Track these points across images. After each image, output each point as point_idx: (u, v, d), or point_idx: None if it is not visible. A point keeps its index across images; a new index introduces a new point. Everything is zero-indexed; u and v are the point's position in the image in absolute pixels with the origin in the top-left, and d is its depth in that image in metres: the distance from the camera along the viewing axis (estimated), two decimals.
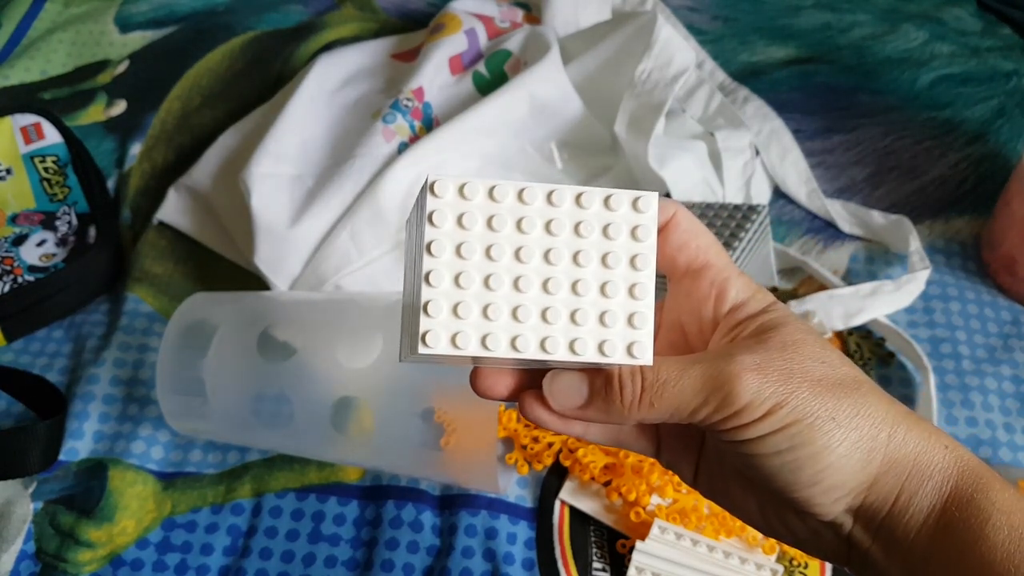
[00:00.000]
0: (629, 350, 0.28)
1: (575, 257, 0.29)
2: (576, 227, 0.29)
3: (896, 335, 0.66)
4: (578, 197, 0.29)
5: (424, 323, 0.28)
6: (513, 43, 0.79)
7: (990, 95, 0.85)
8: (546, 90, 0.74)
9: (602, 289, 0.29)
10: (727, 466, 0.33)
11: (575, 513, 0.59)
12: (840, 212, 0.75)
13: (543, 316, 0.28)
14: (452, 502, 0.59)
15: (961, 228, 0.75)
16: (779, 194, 0.78)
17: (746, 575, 0.54)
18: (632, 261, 0.29)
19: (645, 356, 0.28)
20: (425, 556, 0.58)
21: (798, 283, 0.71)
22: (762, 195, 0.76)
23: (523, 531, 0.58)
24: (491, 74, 0.78)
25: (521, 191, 0.29)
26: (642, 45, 0.75)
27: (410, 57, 0.82)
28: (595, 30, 0.80)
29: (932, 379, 0.63)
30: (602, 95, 0.77)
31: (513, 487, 0.60)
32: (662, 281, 0.34)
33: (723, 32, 0.93)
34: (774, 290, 0.70)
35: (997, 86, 0.86)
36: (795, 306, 0.66)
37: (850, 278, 0.72)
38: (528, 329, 0.28)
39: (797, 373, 0.29)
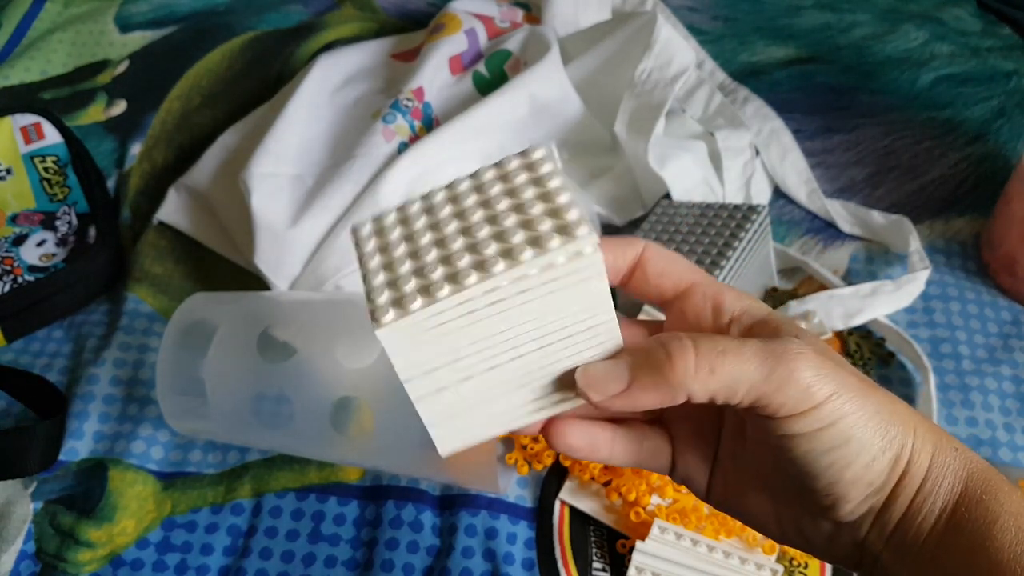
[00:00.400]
0: (564, 232, 0.27)
1: (484, 204, 0.29)
2: (478, 188, 0.30)
3: (896, 335, 0.66)
4: (473, 174, 0.31)
5: (369, 307, 0.28)
6: (513, 43, 0.79)
7: (990, 95, 0.85)
8: (546, 90, 0.74)
9: (517, 209, 0.29)
10: (743, 478, 0.33)
11: (575, 513, 0.59)
12: (840, 212, 0.75)
13: (473, 251, 0.28)
14: (452, 502, 0.59)
15: (961, 228, 0.75)
16: (779, 194, 0.78)
17: (746, 575, 0.54)
18: (537, 182, 0.29)
19: (581, 230, 0.27)
20: (425, 556, 0.58)
21: (798, 283, 0.71)
22: (762, 195, 0.76)
23: (523, 531, 0.58)
24: (491, 74, 0.78)
25: (425, 194, 0.31)
26: (642, 45, 0.75)
27: (410, 57, 0.82)
28: (595, 30, 0.80)
29: (932, 379, 0.63)
30: (602, 95, 0.77)
31: (513, 487, 0.60)
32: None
33: (723, 32, 0.93)
34: (774, 290, 0.70)
35: (997, 86, 0.86)
36: (795, 306, 0.66)
37: (850, 278, 0.72)
38: (463, 265, 0.27)
39: (842, 365, 0.29)
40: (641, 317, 0.59)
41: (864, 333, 0.68)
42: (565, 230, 0.27)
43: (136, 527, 0.60)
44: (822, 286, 0.70)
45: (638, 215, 0.74)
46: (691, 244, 0.63)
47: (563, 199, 0.28)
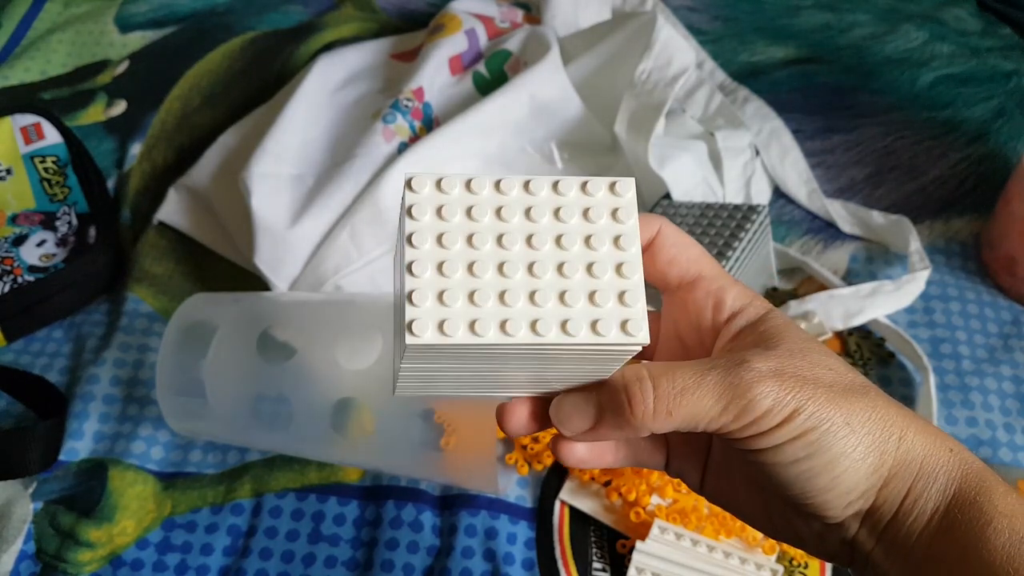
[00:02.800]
0: (624, 327, 0.27)
1: (558, 240, 0.28)
2: (556, 212, 0.29)
3: (896, 335, 0.66)
4: (555, 185, 0.29)
5: (410, 312, 0.27)
6: (513, 43, 0.79)
7: (990, 95, 0.85)
8: (546, 90, 0.74)
9: (589, 269, 0.28)
10: (734, 471, 0.33)
11: (575, 513, 0.59)
12: (840, 212, 0.75)
13: (531, 298, 0.27)
14: (452, 502, 0.59)
15: (961, 228, 0.75)
16: (779, 194, 0.78)
17: (746, 575, 0.54)
18: (616, 241, 0.28)
19: (641, 333, 0.27)
20: (425, 556, 0.58)
21: (798, 283, 0.71)
22: (762, 195, 0.76)
23: (523, 531, 0.58)
24: (491, 74, 0.78)
25: (498, 182, 0.29)
26: (642, 45, 0.75)
27: (410, 57, 0.82)
28: (595, 30, 0.80)
29: (932, 379, 0.63)
30: (602, 95, 0.77)
31: (513, 487, 0.60)
32: (655, 293, 0.34)
33: (723, 32, 0.93)
34: (774, 290, 0.70)
35: (997, 86, 0.86)
36: (795, 306, 0.66)
37: (850, 278, 0.72)
38: (517, 312, 0.27)
39: (810, 380, 0.29)
40: None
41: (864, 333, 0.68)
42: (626, 326, 0.27)
43: (136, 527, 0.60)
44: (822, 286, 0.70)
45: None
46: None
47: (635, 280, 0.28)
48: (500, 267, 0.28)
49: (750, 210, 0.65)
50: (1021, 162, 0.69)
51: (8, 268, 0.69)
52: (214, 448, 0.63)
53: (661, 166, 0.70)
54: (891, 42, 0.91)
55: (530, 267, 0.28)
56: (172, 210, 0.76)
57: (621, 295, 0.28)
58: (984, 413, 0.64)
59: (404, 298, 0.27)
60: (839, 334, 0.67)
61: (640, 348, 0.28)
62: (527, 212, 0.28)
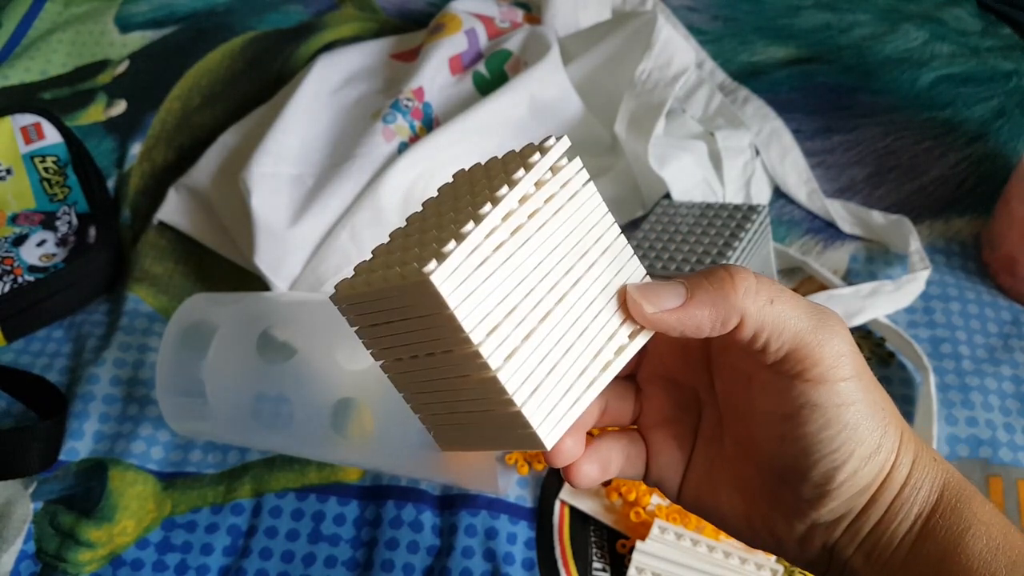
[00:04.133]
0: (544, 151, 0.29)
1: (488, 171, 0.31)
2: (488, 167, 0.31)
3: (896, 335, 0.66)
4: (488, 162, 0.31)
5: (412, 264, 0.27)
6: (513, 43, 0.79)
7: (990, 95, 0.85)
8: (546, 90, 0.74)
9: (517, 160, 0.29)
10: (717, 475, 0.33)
11: (575, 513, 0.59)
12: (840, 212, 0.75)
13: (480, 195, 0.28)
14: (452, 502, 0.59)
15: (961, 228, 0.75)
16: (779, 194, 0.78)
17: (746, 575, 0.54)
18: (543, 149, 0.30)
19: (557, 148, 0.29)
20: (425, 556, 0.58)
21: (798, 283, 0.71)
22: (762, 195, 0.76)
23: (523, 531, 0.58)
24: (491, 74, 0.78)
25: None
26: (642, 45, 0.75)
27: (410, 57, 0.82)
28: (595, 30, 0.80)
29: (932, 379, 0.63)
30: (602, 95, 0.77)
31: (513, 487, 0.60)
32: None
33: (723, 32, 0.93)
34: None
35: (997, 86, 0.86)
36: None
37: (850, 278, 0.72)
38: (477, 205, 0.28)
39: (860, 355, 0.30)
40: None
41: (864, 333, 0.68)
42: (544, 150, 0.29)
43: (136, 527, 0.60)
44: (822, 286, 0.70)
45: (638, 215, 0.74)
46: (691, 244, 0.63)
47: (553, 143, 0.29)
48: (455, 207, 0.29)
49: (750, 210, 0.65)
50: (1021, 162, 0.69)
51: (8, 268, 0.69)
52: (214, 448, 0.63)
53: (661, 166, 0.70)
54: (891, 42, 0.91)
55: (474, 188, 0.30)
56: (172, 210, 0.76)
57: (543, 149, 0.29)
58: (984, 413, 0.64)
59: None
60: None
61: (573, 162, 0.29)
62: (469, 175, 0.31)
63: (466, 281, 0.27)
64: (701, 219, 0.65)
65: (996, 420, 0.63)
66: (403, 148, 0.71)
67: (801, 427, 0.29)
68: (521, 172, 0.28)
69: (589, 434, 0.33)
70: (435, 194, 0.32)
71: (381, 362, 0.31)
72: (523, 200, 0.28)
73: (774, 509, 0.32)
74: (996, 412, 0.64)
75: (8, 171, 0.77)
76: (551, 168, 0.29)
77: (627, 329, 0.30)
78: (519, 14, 0.86)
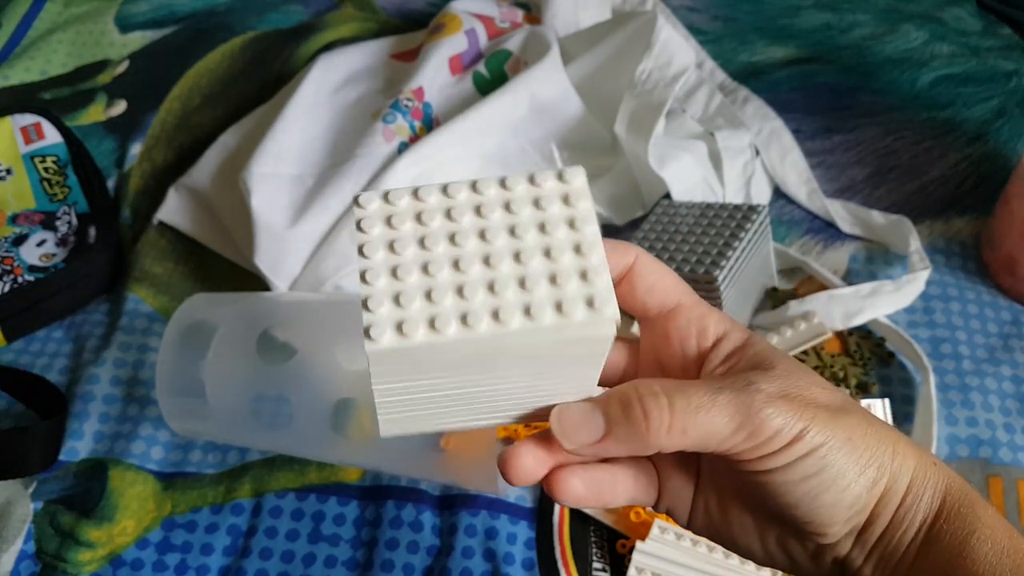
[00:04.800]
0: (590, 304, 0.26)
1: (512, 231, 0.28)
2: (507, 205, 0.28)
3: (896, 335, 0.66)
4: (503, 181, 0.28)
5: (366, 318, 0.26)
6: (513, 43, 0.79)
7: (990, 95, 0.85)
8: (546, 90, 0.74)
9: (546, 253, 0.27)
10: (728, 500, 0.33)
11: (575, 513, 0.59)
12: (840, 212, 0.75)
13: (490, 289, 0.27)
14: (452, 502, 0.59)
15: (961, 228, 0.75)
16: (779, 194, 0.78)
17: (745, 575, 0.54)
18: (571, 223, 0.28)
19: (609, 308, 0.26)
20: (425, 556, 0.58)
21: (798, 283, 0.71)
22: (762, 195, 0.76)
23: (523, 531, 0.58)
24: (491, 74, 0.78)
25: (445, 187, 0.28)
26: (642, 45, 0.75)
27: (410, 57, 0.82)
28: (595, 30, 0.80)
29: (932, 379, 0.63)
30: (602, 95, 0.77)
31: (513, 487, 0.60)
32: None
33: (723, 32, 0.93)
34: (774, 290, 0.70)
35: (997, 86, 0.86)
36: (795, 306, 0.65)
37: (850, 278, 0.72)
38: (477, 305, 0.26)
39: (810, 400, 0.29)
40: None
41: (864, 333, 0.68)
42: (592, 302, 0.26)
43: (136, 527, 0.60)
44: (822, 286, 0.70)
45: (638, 215, 0.74)
46: (691, 244, 0.63)
47: (596, 258, 0.27)
48: (455, 264, 0.27)
49: (750, 210, 0.65)
50: (1021, 162, 0.69)
51: (8, 268, 0.69)
52: (214, 448, 0.63)
53: (661, 166, 0.70)
54: (891, 42, 0.91)
55: (486, 259, 0.27)
56: (172, 210, 0.76)
57: (583, 273, 0.27)
58: (984, 413, 0.64)
59: (360, 307, 0.27)
60: (839, 334, 0.67)
61: (615, 328, 0.27)
62: (477, 209, 0.28)
63: (403, 361, 0.27)
64: (701, 219, 0.65)
65: (996, 420, 0.63)
66: (403, 148, 0.71)
67: (765, 487, 0.30)
68: (549, 318, 0.26)
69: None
70: (473, 184, 0.29)
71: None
72: (528, 335, 0.27)
73: (786, 532, 0.32)
74: (996, 412, 0.64)
75: (8, 171, 0.77)
76: (589, 333, 0.27)
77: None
78: (519, 14, 0.86)
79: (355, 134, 0.73)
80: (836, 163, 0.80)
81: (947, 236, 0.75)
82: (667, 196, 0.71)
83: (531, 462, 0.30)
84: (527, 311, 0.26)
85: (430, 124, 0.75)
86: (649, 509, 0.57)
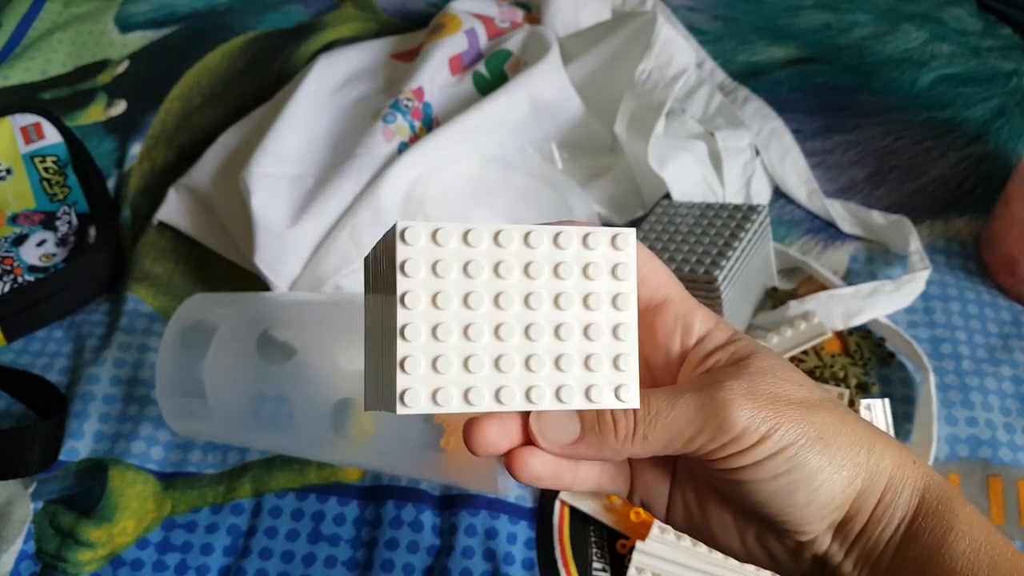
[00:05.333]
0: (617, 394, 0.28)
1: (556, 300, 0.28)
2: (555, 268, 0.28)
3: (896, 335, 0.66)
4: (556, 237, 0.28)
5: (401, 381, 0.26)
6: (513, 43, 0.79)
7: (990, 95, 0.85)
8: (546, 90, 0.74)
9: (585, 332, 0.28)
10: (704, 497, 0.33)
11: (575, 513, 0.59)
12: (840, 212, 0.75)
13: (527, 364, 0.27)
14: (452, 502, 0.59)
15: (961, 228, 0.75)
16: (779, 194, 0.78)
17: (745, 575, 0.54)
18: (614, 301, 0.28)
19: (632, 399, 0.28)
20: (425, 556, 0.58)
21: (798, 283, 0.71)
22: (762, 195, 0.76)
23: (523, 531, 0.58)
24: (491, 74, 0.78)
25: (497, 234, 0.28)
26: (642, 45, 0.75)
27: (410, 57, 0.82)
28: (595, 30, 0.80)
29: (932, 379, 0.63)
30: (602, 95, 0.77)
31: (513, 487, 0.60)
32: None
33: (723, 32, 0.93)
34: (774, 290, 0.70)
35: (997, 86, 0.86)
36: (795, 306, 0.65)
37: (850, 278, 0.72)
38: (512, 380, 0.27)
39: (782, 397, 0.29)
40: None
41: (864, 333, 0.68)
42: (619, 392, 0.28)
43: (136, 527, 0.60)
44: (822, 286, 0.70)
45: (638, 215, 0.74)
46: (691, 244, 0.63)
47: (629, 344, 0.28)
48: (496, 330, 0.27)
49: (750, 210, 0.65)
50: (1021, 162, 0.69)
51: (8, 268, 0.69)
52: (214, 448, 0.63)
53: (661, 166, 0.70)
54: (891, 42, 0.91)
55: (527, 330, 0.27)
56: (172, 210, 0.76)
57: (616, 360, 0.28)
58: (984, 413, 0.64)
59: (396, 364, 0.26)
60: (839, 334, 0.67)
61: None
62: (526, 269, 0.28)
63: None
64: (701, 219, 0.65)
65: (996, 420, 0.63)
66: (403, 148, 0.71)
67: (737, 485, 0.30)
68: (577, 401, 0.28)
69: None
70: (526, 236, 0.28)
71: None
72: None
73: (765, 528, 0.32)
74: (996, 412, 0.64)
75: (8, 171, 0.77)
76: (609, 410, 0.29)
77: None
78: (519, 14, 0.86)
79: (355, 134, 0.73)
80: (836, 163, 0.80)
81: (947, 236, 0.75)
82: (667, 196, 0.71)
83: (496, 433, 0.30)
84: (558, 393, 0.28)
85: (430, 124, 0.75)
86: None
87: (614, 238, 0.29)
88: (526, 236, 0.28)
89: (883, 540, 0.30)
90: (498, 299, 0.27)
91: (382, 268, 0.29)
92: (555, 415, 0.30)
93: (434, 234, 0.27)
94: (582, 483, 0.32)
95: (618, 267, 0.28)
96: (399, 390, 0.26)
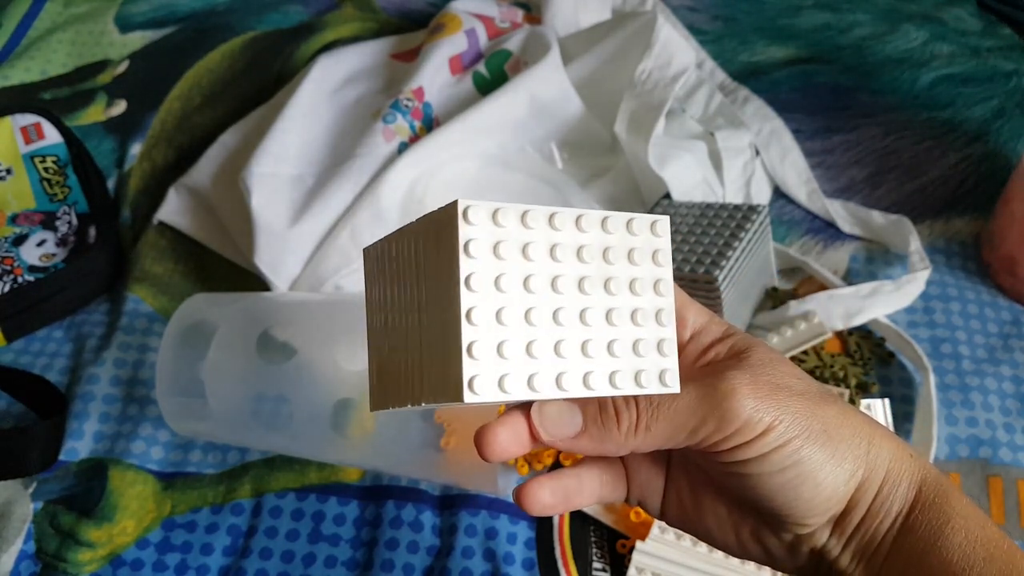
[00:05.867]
0: (662, 379, 0.28)
1: (606, 286, 0.28)
2: (605, 253, 0.28)
3: (896, 335, 0.66)
4: (604, 222, 0.28)
5: (469, 368, 0.25)
6: (513, 43, 0.79)
7: (990, 95, 0.85)
8: (546, 90, 0.74)
9: (633, 317, 0.28)
10: (698, 491, 0.33)
11: (575, 513, 0.59)
12: (840, 212, 0.75)
13: (583, 350, 0.27)
14: (452, 502, 0.59)
15: (961, 228, 0.75)
16: (779, 194, 0.78)
17: (746, 575, 0.54)
18: (656, 287, 0.29)
19: (675, 384, 0.28)
20: (425, 556, 0.58)
21: (798, 283, 0.71)
22: (762, 195, 0.76)
23: (523, 531, 0.58)
24: (491, 74, 0.78)
25: (552, 216, 0.27)
26: (642, 45, 0.75)
27: (410, 57, 0.82)
28: (595, 30, 0.80)
29: (932, 379, 0.63)
30: (602, 95, 0.77)
31: (513, 487, 0.60)
32: None
33: (723, 32, 0.93)
34: (774, 290, 0.70)
35: (997, 86, 0.86)
36: (795, 306, 0.65)
37: (850, 278, 0.72)
38: (571, 366, 0.27)
39: (783, 388, 0.29)
40: None
41: (864, 333, 0.68)
42: (664, 377, 0.29)
43: (136, 527, 0.60)
44: (822, 286, 0.70)
45: None
46: (691, 244, 0.63)
47: (670, 328, 0.29)
48: (555, 315, 0.27)
49: (750, 210, 0.65)
50: (1021, 162, 0.69)
51: (8, 268, 0.69)
52: (214, 448, 0.63)
53: (661, 166, 0.70)
54: (891, 42, 0.91)
55: (582, 315, 0.28)
56: (172, 210, 0.76)
57: (660, 344, 0.28)
58: (984, 413, 0.64)
59: (462, 350, 0.25)
60: (839, 334, 0.67)
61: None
62: (579, 253, 0.28)
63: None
64: (701, 219, 0.65)
65: (996, 420, 0.63)
66: (403, 148, 0.71)
67: (741, 479, 0.30)
68: (628, 387, 0.28)
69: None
70: (577, 219, 0.28)
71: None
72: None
73: (761, 522, 0.32)
74: (996, 412, 0.64)
75: (8, 171, 0.77)
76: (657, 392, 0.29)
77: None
78: (519, 14, 0.86)
79: (355, 134, 0.73)
80: (836, 163, 0.80)
81: (947, 236, 0.75)
82: (667, 196, 0.71)
83: (507, 437, 0.30)
84: (612, 379, 0.28)
85: (430, 124, 0.75)
86: None
87: (653, 224, 0.29)
88: (578, 220, 0.28)
89: (880, 533, 0.30)
90: (555, 283, 0.27)
91: (419, 253, 0.28)
92: (557, 408, 0.29)
93: (494, 214, 0.26)
94: (587, 500, 0.32)
95: (658, 253, 0.29)
96: (467, 377, 0.25)
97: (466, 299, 0.26)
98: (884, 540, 0.30)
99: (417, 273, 0.28)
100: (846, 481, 0.30)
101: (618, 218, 0.28)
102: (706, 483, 0.33)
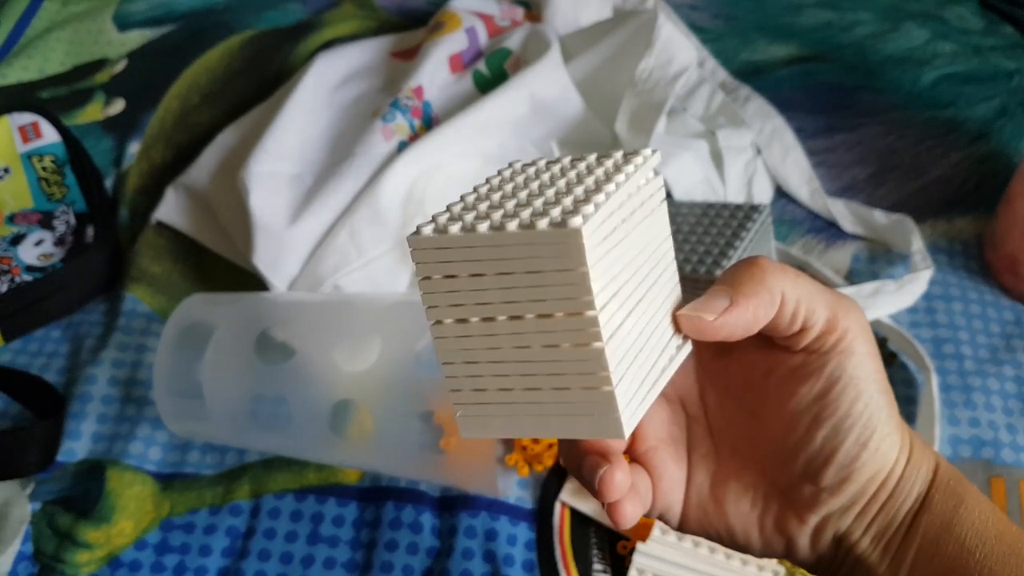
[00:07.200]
0: (631, 160, 0.30)
1: (567, 175, 0.30)
2: (577, 170, 0.30)
3: (898, 335, 0.66)
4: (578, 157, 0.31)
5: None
6: (513, 41, 0.79)
7: (992, 94, 0.85)
8: (546, 89, 0.74)
9: (579, 178, 0.30)
10: (722, 478, 0.33)
11: (576, 514, 0.59)
12: (842, 211, 0.75)
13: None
14: (452, 503, 0.59)
15: (963, 228, 0.75)
16: (781, 193, 0.77)
17: None
18: (625, 160, 0.30)
19: (645, 161, 0.31)
20: (425, 558, 0.57)
21: None
22: (764, 194, 0.76)
23: (523, 533, 0.58)
24: (491, 72, 0.78)
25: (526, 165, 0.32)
26: (643, 43, 0.74)
27: (410, 55, 0.82)
28: (596, 28, 0.80)
29: (934, 379, 0.63)
30: (603, 94, 0.77)
31: (513, 488, 0.60)
32: None
33: (724, 30, 0.92)
34: None
35: (999, 85, 0.86)
36: None
37: (852, 278, 0.71)
38: (591, 191, 0.28)
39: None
40: None
41: None
42: (630, 159, 0.30)
43: (134, 528, 0.59)
44: None
45: None
46: (692, 244, 0.63)
47: (649, 154, 0.31)
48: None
49: (752, 209, 0.64)
50: (1023, 161, 0.68)
51: (6, 268, 0.68)
52: (212, 449, 0.63)
53: (662, 165, 0.70)
54: (893, 41, 0.91)
55: (580, 175, 0.29)
56: (170, 209, 0.76)
57: (629, 156, 0.30)
58: (987, 414, 0.63)
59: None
60: None
61: (657, 178, 0.31)
62: (555, 162, 0.31)
63: (600, 245, 0.25)
64: (702, 219, 0.65)
65: (999, 421, 0.63)
66: (403, 147, 0.71)
67: (835, 403, 0.30)
68: (625, 174, 0.29)
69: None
70: (493, 174, 0.31)
71: (437, 321, 0.28)
72: (630, 195, 0.28)
73: (786, 507, 0.32)
74: (999, 413, 0.63)
75: (6, 170, 0.77)
76: (645, 178, 0.30)
77: (676, 340, 0.30)
78: (519, 12, 0.86)
79: (354, 133, 0.73)
80: (838, 162, 0.80)
81: (949, 236, 0.74)
82: (668, 196, 0.71)
83: (621, 478, 0.30)
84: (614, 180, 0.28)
85: (430, 123, 0.74)
86: None
87: (642, 156, 0.31)
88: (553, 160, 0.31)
89: (900, 515, 0.31)
90: (552, 175, 0.30)
91: (515, 264, 0.26)
92: (699, 298, 0.30)
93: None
94: (649, 502, 0.33)
95: (639, 164, 0.31)
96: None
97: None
98: (903, 522, 0.31)
99: (513, 284, 0.26)
100: (894, 448, 0.31)
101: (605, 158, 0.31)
102: (728, 480, 0.33)
